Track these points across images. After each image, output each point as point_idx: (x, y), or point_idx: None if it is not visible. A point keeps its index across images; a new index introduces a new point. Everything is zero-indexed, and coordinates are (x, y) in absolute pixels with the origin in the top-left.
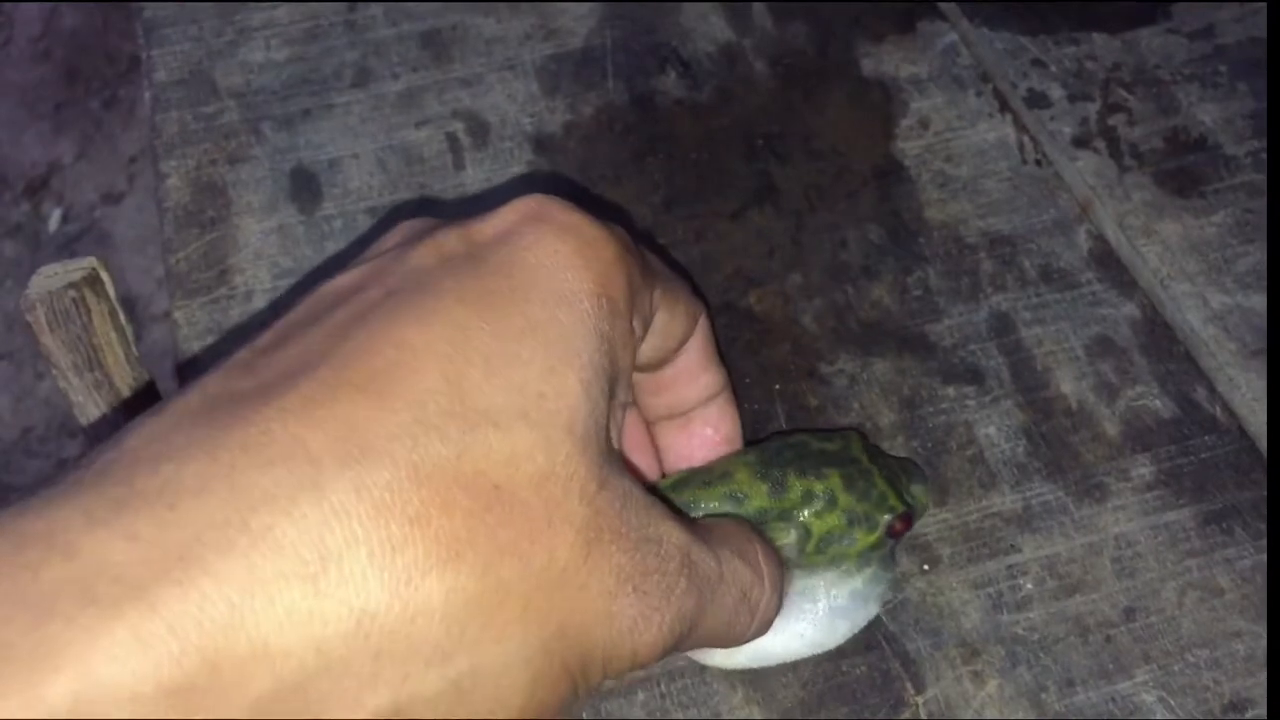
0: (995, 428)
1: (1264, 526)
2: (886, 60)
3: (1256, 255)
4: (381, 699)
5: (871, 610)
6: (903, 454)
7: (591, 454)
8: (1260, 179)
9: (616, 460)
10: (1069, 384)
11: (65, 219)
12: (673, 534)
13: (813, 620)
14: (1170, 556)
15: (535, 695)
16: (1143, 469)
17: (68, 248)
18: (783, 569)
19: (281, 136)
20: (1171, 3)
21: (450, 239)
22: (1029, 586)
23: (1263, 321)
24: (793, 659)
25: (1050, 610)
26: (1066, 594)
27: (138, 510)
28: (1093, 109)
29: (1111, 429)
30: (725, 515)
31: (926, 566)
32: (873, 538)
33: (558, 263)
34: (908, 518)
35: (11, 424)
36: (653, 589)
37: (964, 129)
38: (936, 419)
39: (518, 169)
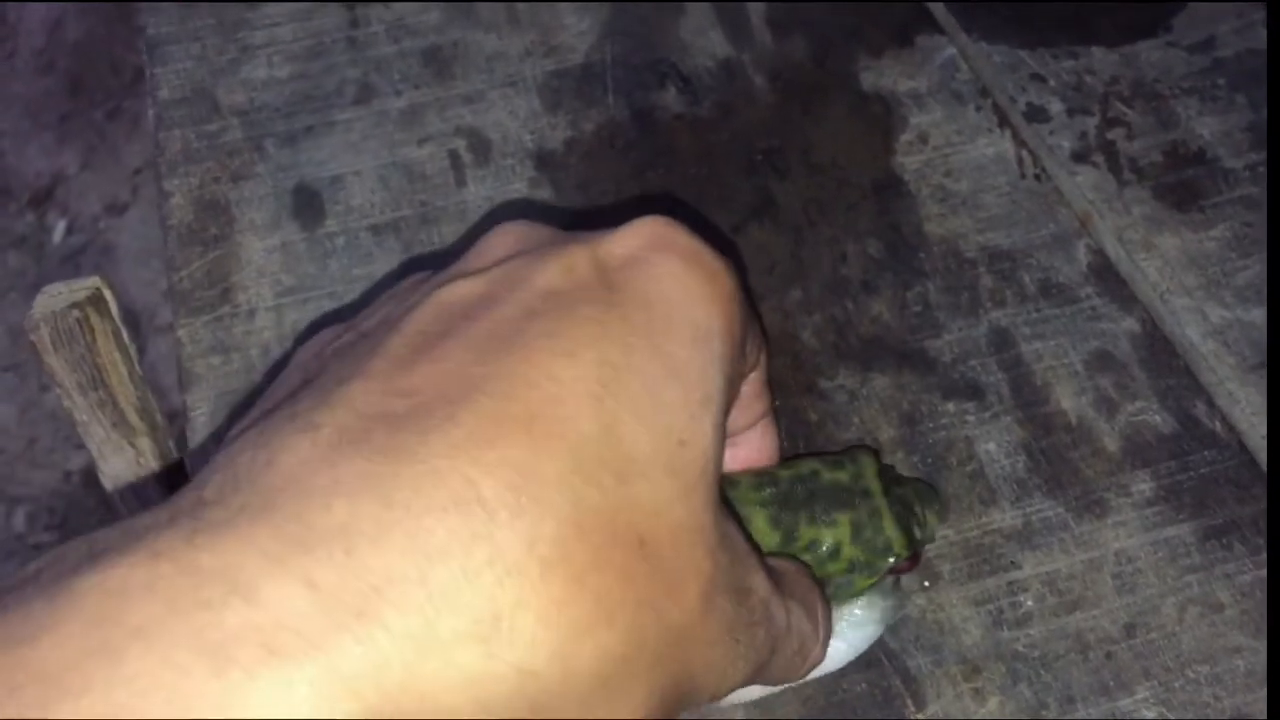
0: (995, 443)
1: (1263, 542)
2: (885, 74)
3: (1255, 269)
4: None
5: (872, 632)
6: (904, 470)
7: (715, 503)
8: (1259, 192)
9: (724, 506)
10: (1069, 399)
11: (70, 230)
12: (761, 586)
13: None
14: (1170, 572)
15: None
16: (1143, 484)
17: (72, 259)
18: (830, 617)
19: (284, 154)
20: (1170, 15)
21: (579, 260)
22: (1029, 603)
23: (1262, 336)
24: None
25: (1051, 627)
26: (1067, 610)
27: (316, 555)
28: (1092, 123)
29: (1111, 444)
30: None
31: (927, 583)
32: (871, 581)
33: (690, 296)
34: (914, 558)
35: (17, 435)
36: (743, 638)
37: (963, 144)
38: (936, 435)
39: (519, 186)
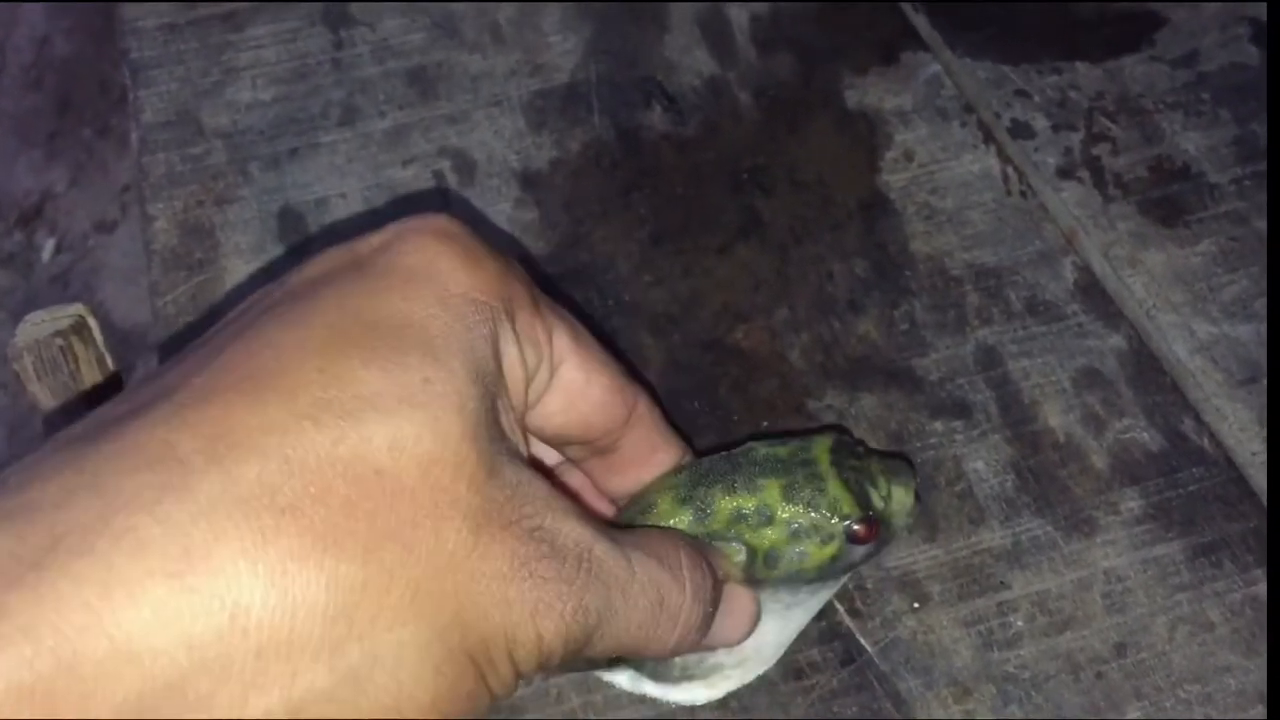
0: (984, 462)
1: (1253, 559)
2: (870, 91)
3: (1241, 284)
4: (271, 698)
5: (825, 595)
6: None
7: (482, 441)
8: (1245, 207)
9: (514, 452)
10: (1056, 417)
11: (58, 248)
12: (573, 529)
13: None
14: (1160, 591)
15: (440, 686)
16: (1131, 502)
17: (61, 277)
18: (719, 583)
19: (269, 176)
20: (1154, 30)
21: (334, 254)
22: (1019, 624)
23: (1249, 351)
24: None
25: (1041, 647)
26: (1057, 630)
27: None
28: (1076, 139)
29: (1100, 462)
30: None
31: (917, 604)
32: (830, 549)
33: (439, 266)
34: (871, 522)
35: (7, 455)
36: (551, 576)
37: (948, 161)
38: (925, 454)
39: (505, 206)
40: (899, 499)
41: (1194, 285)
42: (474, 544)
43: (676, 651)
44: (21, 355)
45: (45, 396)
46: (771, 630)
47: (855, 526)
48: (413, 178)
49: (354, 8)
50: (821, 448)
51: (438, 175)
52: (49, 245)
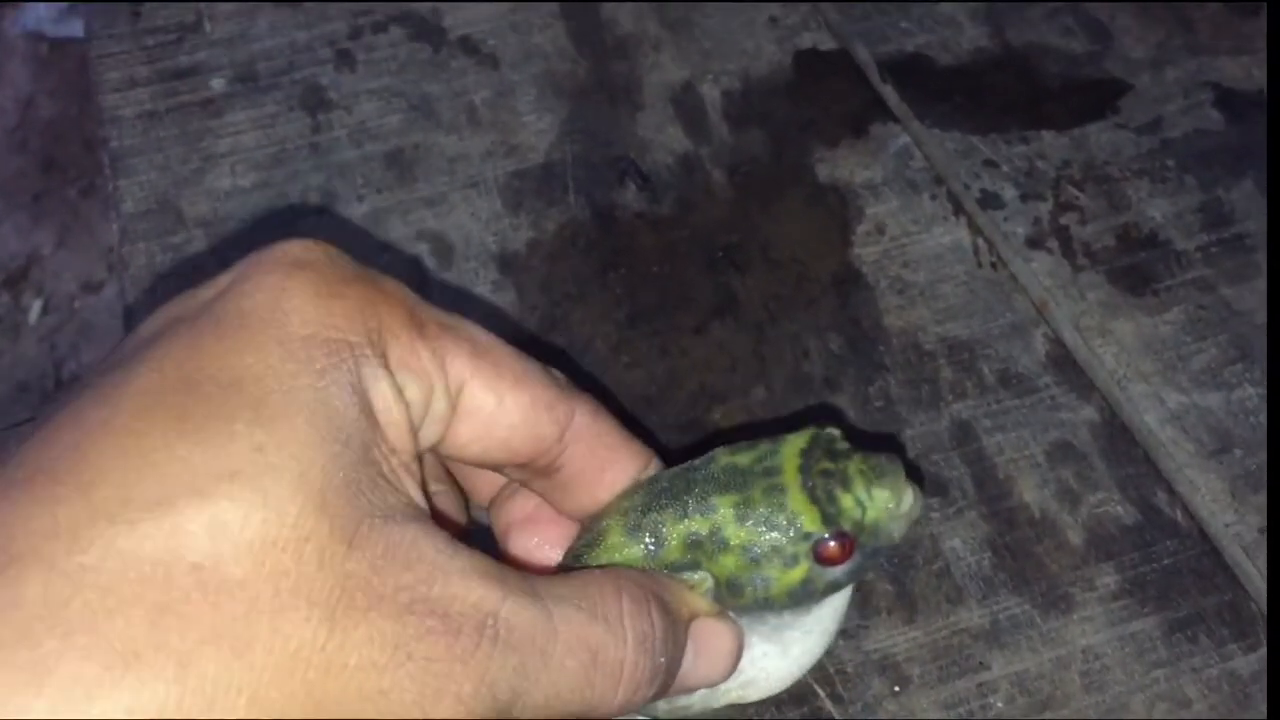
0: (961, 540)
1: (1228, 633)
2: (841, 165)
3: (1210, 353)
4: None
5: (816, 643)
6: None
7: (337, 507)
8: (1211, 274)
9: (391, 509)
10: (1031, 492)
11: (45, 309)
12: (473, 591)
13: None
14: (1137, 668)
15: None
16: (1107, 578)
17: (48, 339)
18: (678, 624)
19: None
20: (1118, 97)
21: (176, 302)
22: (999, 705)
23: (1218, 420)
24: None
25: None
26: (1037, 711)
27: None
28: (1045, 208)
29: (1075, 538)
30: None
31: (897, 688)
32: (797, 573)
33: (283, 305)
34: (842, 539)
35: None
36: (439, 655)
37: (919, 233)
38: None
39: (483, 289)
40: (881, 503)
41: (1163, 354)
42: (328, 633)
43: (628, 709)
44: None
45: None
46: (772, 655)
47: (823, 546)
48: (390, 265)
49: (331, 91)
50: (791, 449)
51: (415, 261)
52: (36, 307)
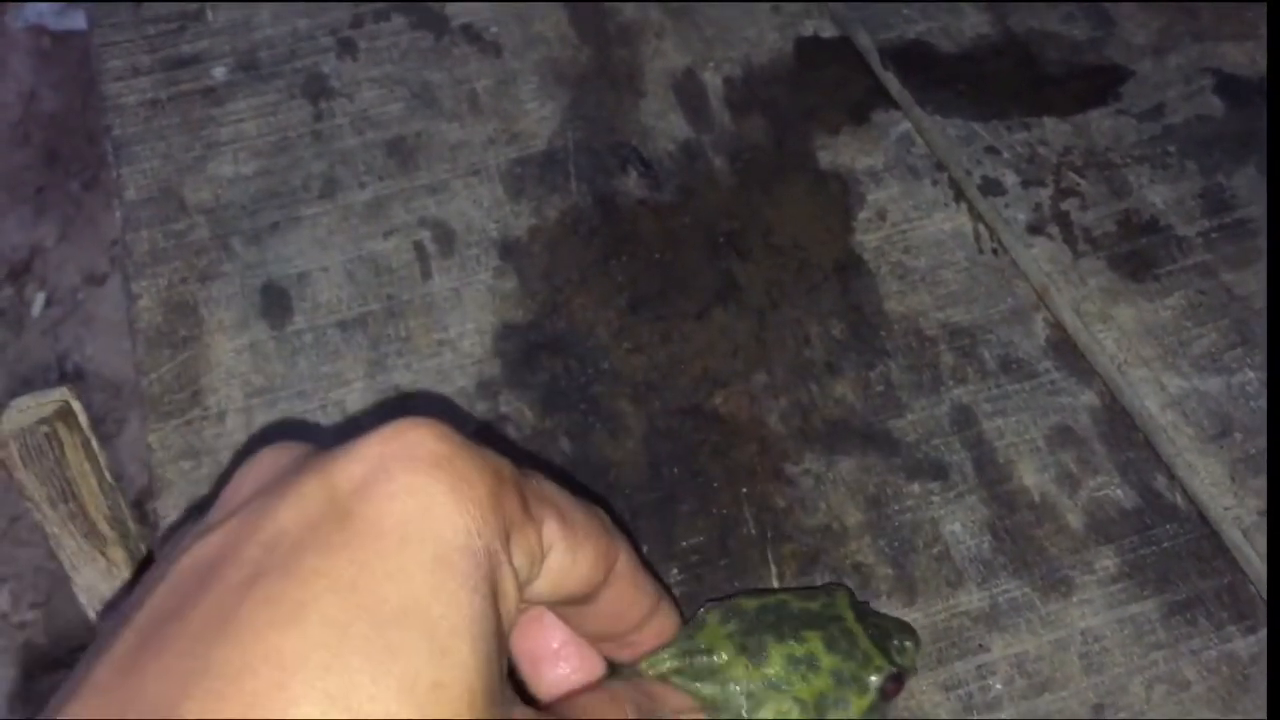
0: (960, 524)
1: (1226, 615)
2: (843, 151)
3: (1210, 338)
4: None
5: None
6: (870, 554)
7: None
8: (1212, 259)
9: (510, 704)
10: (1031, 476)
11: (49, 302)
12: None
13: None
14: (1136, 650)
15: None
16: (1106, 561)
17: (52, 331)
18: None
19: (251, 251)
20: (1120, 83)
21: (311, 493)
22: (999, 686)
23: (1218, 405)
24: None
25: (1020, 710)
26: (1036, 693)
27: None
28: (1046, 194)
29: (1075, 521)
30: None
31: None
32: (866, 700)
33: (432, 514)
34: (898, 678)
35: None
36: None
37: (920, 219)
38: (902, 517)
39: (484, 276)
40: (910, 653)
41: (1164, 339)
42: None
43: None
44: (7, 443)
45: (32, 482)
46: None
47: (889, 683)
48: (393, 249)
49: (333, 79)
50: (844, 603)
51: (418, 246)
52: (39, 299)
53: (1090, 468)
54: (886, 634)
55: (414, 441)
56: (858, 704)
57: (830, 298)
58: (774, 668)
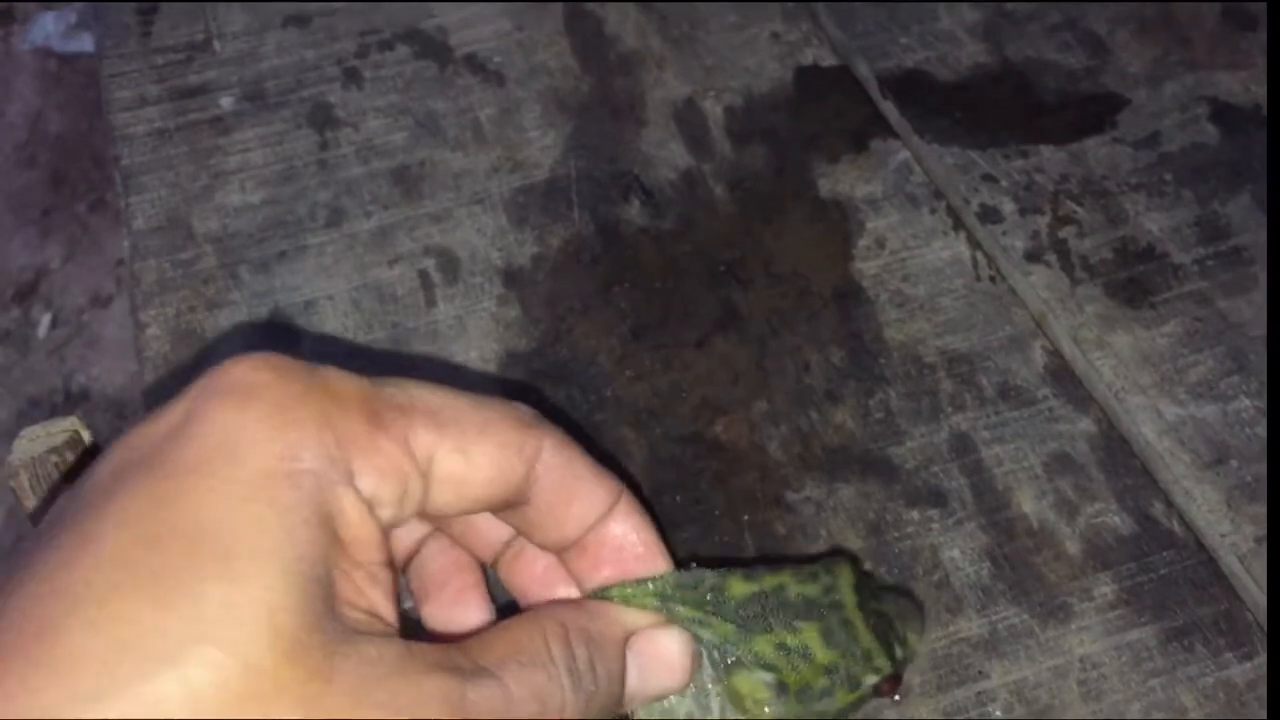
0: (960, 550)
1: (1223, 642)
2: (842, 180)
3: (1207, 365)
4: None
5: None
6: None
7: (310, 651)
8: (1208, 286)
9: (355, 630)
10: (1030, 503)
11: (54, 323)
12: (437, 688)
13: None
14: (1134, 677)
15: None
16: (1105, 588)
17: (58, 352)
18: (609, 642)
19: (258, 280)
20: (1116, 112)
21: (132, 442)
22: (998, 714)
23: (1215, 432)
24: None
25: None
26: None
27: None
28: (1043, 222)
29: (1073, 548)
30: (528, 616)
31: (898, 697)
32: (855, 695)
33: (238, 444)
34: (896, 679)
35: (3, 532)
36: None
37: (919, 247)
38: (902, 544)
39: (488, 304)
40: (912, 643)
41: (1160, 366)
42: None
43: None
44: (18, 473)
45: (42, 511)
46: None
47: (883, 682)
48: (398, 278)
49: (338, 109)
50: (846, 584)
51: (422, 275)
52: (45, 321)
53: (1088, 494)
54: (888, 624)
55: (231, 376)
56: (844, 698)
57: (830, 325)
58: (761, 647)
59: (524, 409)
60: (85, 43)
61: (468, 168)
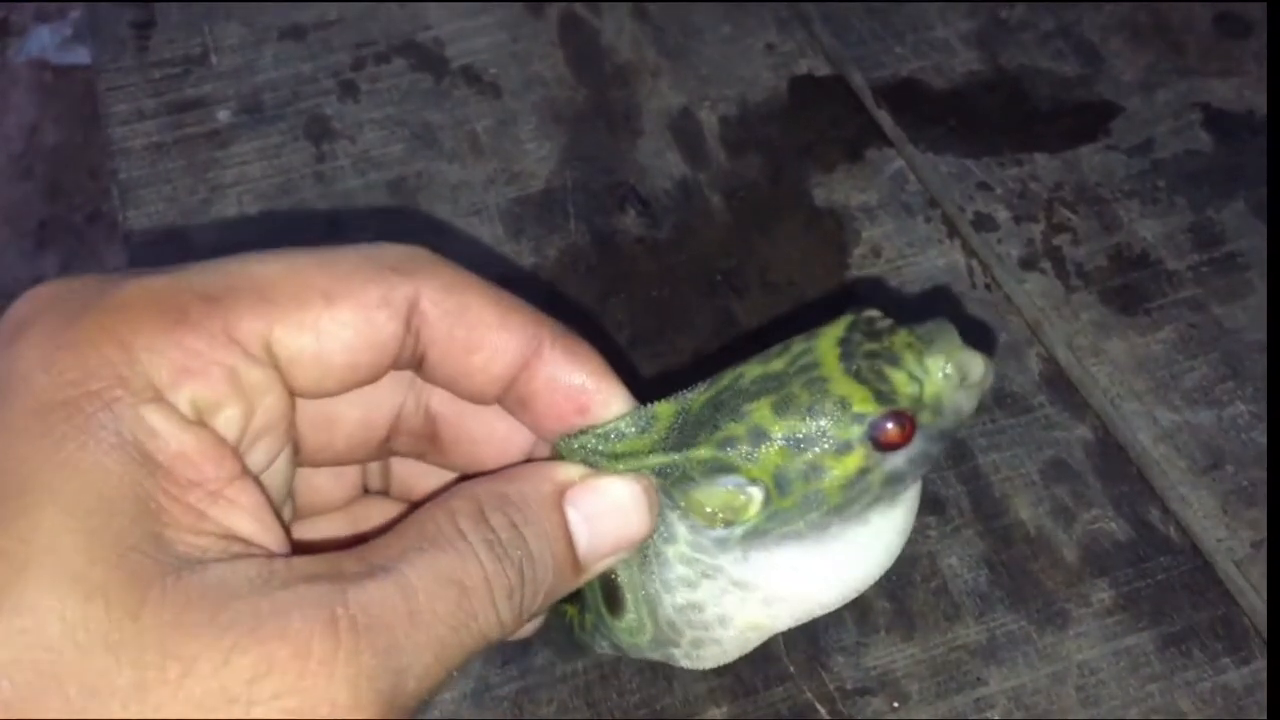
0: (957, 558)
1: (1221, 647)
2: (837, 189)
3: (1201, 371)
4: None
5: (887, 544)
6: (868, 588)
7: (112, 586)
8: (1202, 293)
9: (188, 561)
10: (1027, 510)
11: None
12: (306, 598)
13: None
14: (1132, 682)
15: None
16: (1102, 594)
17: None
18: (520, 513)
19: None
20: (1109, 119)
21: None
22: None
23: (1210, 438)
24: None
25: None
26: None
27: None
28: (1038, 229)
29: (1070, 554)
30: (439, 498)
31: (897, 704)
32: (853, 460)
33: (8, 380)
34: (900, 418)
35: None
36: (291, 682)
37: (915, 255)
38: (901, 552)
39: None
40: (938, 373)
41: (1156, 373)
42: (174, 692)
43: (526, 615)
44: None
45: None
46: (806, 571)
47: (880, 428)
48: None
49: (335, 121)
50: (827, 341)
51: None
52: None
53: (1085, 501)
54: (894, 359)
55: (9, 316)
56: (837, 469)
57: None
58: (703, 451)
59: (398, 250)
60: (81, 55)
61: (464, 179)
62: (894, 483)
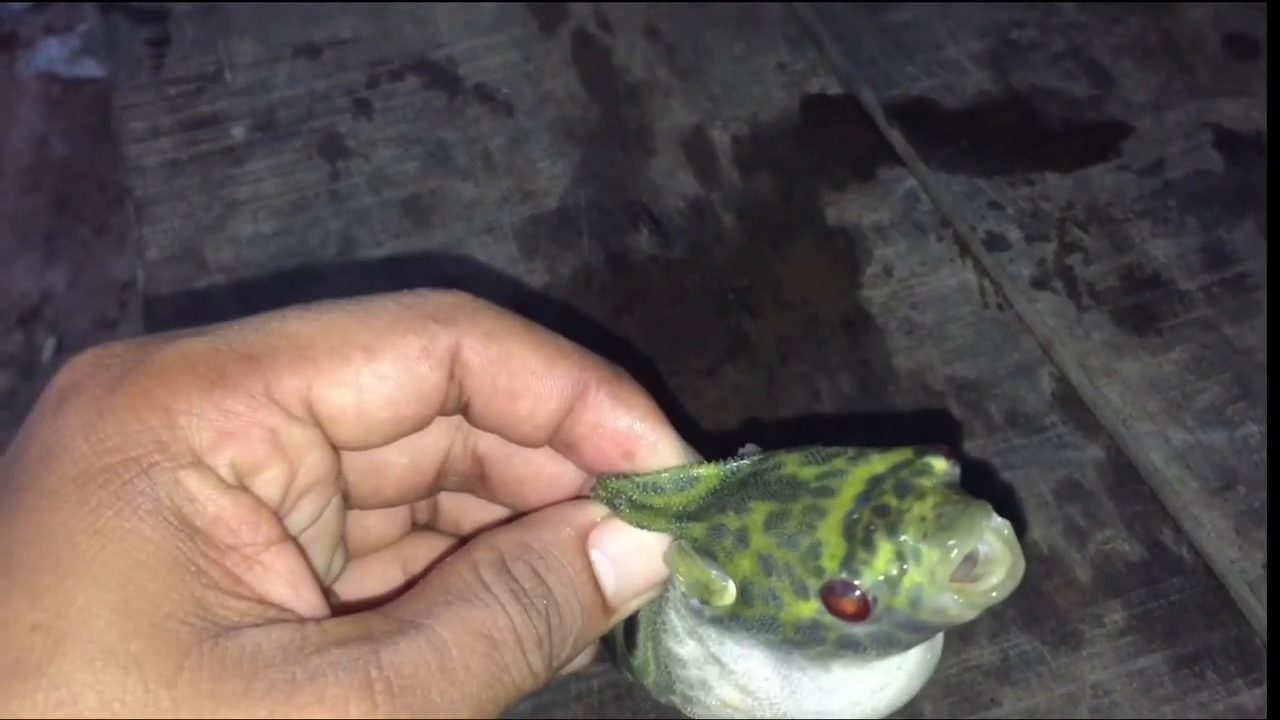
0: None
1: (1234, 668)
2: (849, 208)
3: (1214, 391)
4: None
5: (869, 700)
6: None
7: (147, 656)
8: (1214, 313)
9: (225, 627)
10: (1040, 530)
11: (59, 348)
12: (340, 661)
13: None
14: (1145, 704)
15: None
16: (1115, 614)
17: None
18: (542, 561)
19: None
20: (1120, 139)
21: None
22: None
23: (1222, 458)
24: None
25: None
26: None
27: None
28: (1049, 249)
29: (1083, 575)
30: (462, 553)
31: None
32: (805, 608)
33: (52, 450)
34: (852, 591)
35: None
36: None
37: (927, 275)
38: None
39: None
40: (927, 565)
41: (1168, 393)
42: None
43: (559, 663)
44: None
45: None
46: (809, 690)
47: (829, 592)
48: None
49: (349, 139)
50: (861, 473)
51: None
52: (49, 345)
53: (1098, 521)
54: (891, 530)
55: (53, 385)
56: (791, 606)
57: (839, 353)
58: (698, 529)
59: (438, 298)
60: (90, 68)
61: (478, 197)
62: (851, 648)
